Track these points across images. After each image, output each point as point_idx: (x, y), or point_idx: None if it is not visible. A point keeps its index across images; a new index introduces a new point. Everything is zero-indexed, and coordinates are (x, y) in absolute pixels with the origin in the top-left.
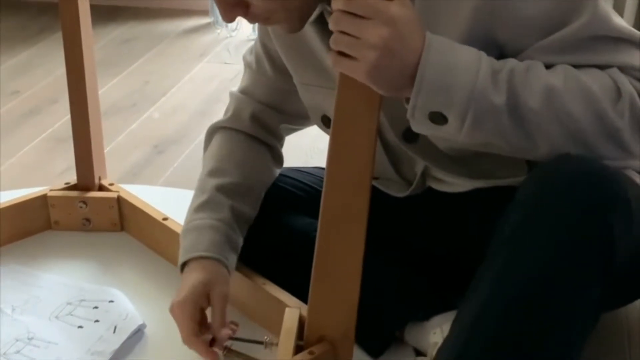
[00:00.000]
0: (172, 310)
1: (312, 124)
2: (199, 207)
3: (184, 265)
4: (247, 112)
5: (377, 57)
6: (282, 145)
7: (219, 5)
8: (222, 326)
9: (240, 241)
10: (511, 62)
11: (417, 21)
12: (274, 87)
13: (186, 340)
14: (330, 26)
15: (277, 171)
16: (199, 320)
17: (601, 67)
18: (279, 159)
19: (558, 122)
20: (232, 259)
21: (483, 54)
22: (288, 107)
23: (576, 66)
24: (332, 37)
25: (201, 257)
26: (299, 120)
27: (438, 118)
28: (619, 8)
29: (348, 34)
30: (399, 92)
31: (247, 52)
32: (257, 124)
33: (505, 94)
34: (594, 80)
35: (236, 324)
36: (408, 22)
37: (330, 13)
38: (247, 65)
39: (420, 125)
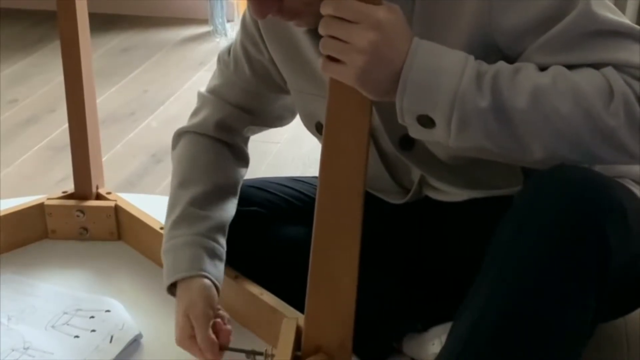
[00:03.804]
0: (182, 343)
1: (283, 125)
2: (173, 225)
3: (173, 286)
4: (214, 119)
5: (365, 61)
6: (247, 144)
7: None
8: (208, 341)
9: (222, 246)
10: (499, 65)
11: (404, 26)
12: (250, 89)
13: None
14: (320, 30)
15: (244, 170)
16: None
17: (597, 66)
18: (244, 158)
19: (547, 122)
20: (216, 268)
21: (471, 58)
22: (260, 110)
23: (572, 66)
24: (321, 41)
25: (183, 279)
26: (269, 122)
27: (426, 121)
28: (619, 8)
29: (337, 39)
30: (387, 96)
31: (224, 51)
32: (222, 128)
33: (489, 96)
34: (584, 80)
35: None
36: (395, 26)
37: None
38: (223, 64)
39: (413, 129)
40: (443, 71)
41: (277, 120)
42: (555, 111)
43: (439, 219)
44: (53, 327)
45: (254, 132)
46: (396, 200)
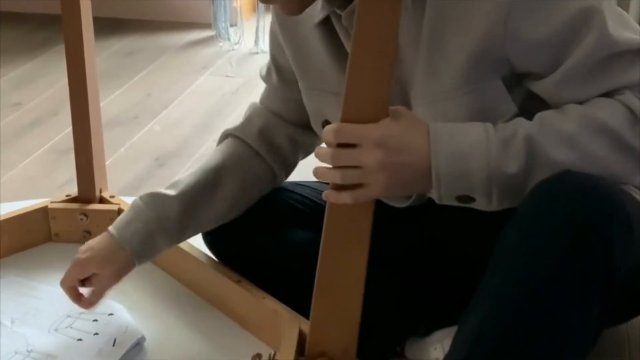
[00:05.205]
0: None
1: None
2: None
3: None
4: (257, 123)
5: (386, 177)
6: (286, 163)
7: None
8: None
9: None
10: (522, 127)
11: (412, 128)
12: (282, 96)
13: (66, 285)
14: (329, 163)
15: (267, 189)
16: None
17: (615, 91)
18: (272, 178)
19: (587, 165)
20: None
21: (489, 127)
22: (293, 117)
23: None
24: (340, 175)
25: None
26: (308, 130)
27: (466, 199)
28: (622, 8)
29: (350, 167)
30: (421, 191)
31: (264, 64)
32: (263, 136)
33: (524, 161)
34: (607, 114)
35: None
36: (401, 134)
37: (339, 16)
38: (262, 73)
39: (452, 204)
40: (469, 154)
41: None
42: (592, 154)
43: (442, 221)
44: (56, 330)
45: (308, 149)
46: (399, 203)
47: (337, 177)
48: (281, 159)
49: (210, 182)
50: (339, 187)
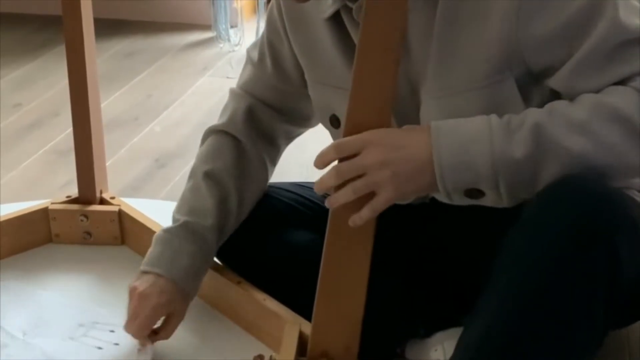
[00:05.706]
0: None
1: (312, 126)
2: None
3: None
4: (242, 109)
5: (391, 175)
6: (276, 150)
7: None
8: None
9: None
10: (531, 115)
11: (411, 129)
12: (272, 84)
13: (138, 333)
14: (337, 181)
15: (263, 179)
16: None
17: (630, 77)
18: (264, 166)
19: (600, 153)
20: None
21: (493, 116)
22: (285, 107)
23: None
24: (350, 189)
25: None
26: (298, 120)
27: (474, 193)
28: None
29: (357, 176)
30: (429, 189)
31: (251, 47)
32: (251, 123)
33: (531, 147)
34: (619, 101)
35: None
36: (399, 134)
37: (349, 9)
38: (248, 60)
39: (462, 203)
40: (472, 143)
41: (306, 120)
42: (604, 142)
43: (443, 222)
44: (71, 338)
45: (289, 136)
46: (401, 201)
47: (348, 194)
48: (269, 147)
49: (225, 196)
50: (355, 207)
